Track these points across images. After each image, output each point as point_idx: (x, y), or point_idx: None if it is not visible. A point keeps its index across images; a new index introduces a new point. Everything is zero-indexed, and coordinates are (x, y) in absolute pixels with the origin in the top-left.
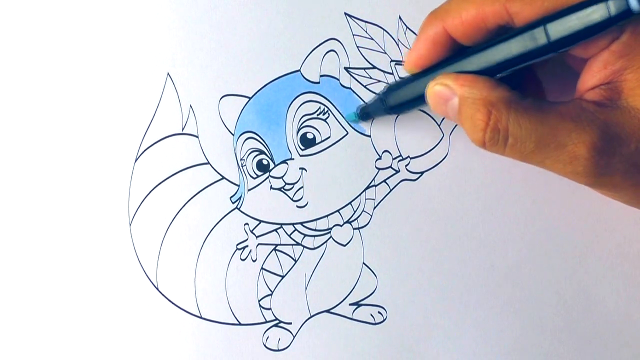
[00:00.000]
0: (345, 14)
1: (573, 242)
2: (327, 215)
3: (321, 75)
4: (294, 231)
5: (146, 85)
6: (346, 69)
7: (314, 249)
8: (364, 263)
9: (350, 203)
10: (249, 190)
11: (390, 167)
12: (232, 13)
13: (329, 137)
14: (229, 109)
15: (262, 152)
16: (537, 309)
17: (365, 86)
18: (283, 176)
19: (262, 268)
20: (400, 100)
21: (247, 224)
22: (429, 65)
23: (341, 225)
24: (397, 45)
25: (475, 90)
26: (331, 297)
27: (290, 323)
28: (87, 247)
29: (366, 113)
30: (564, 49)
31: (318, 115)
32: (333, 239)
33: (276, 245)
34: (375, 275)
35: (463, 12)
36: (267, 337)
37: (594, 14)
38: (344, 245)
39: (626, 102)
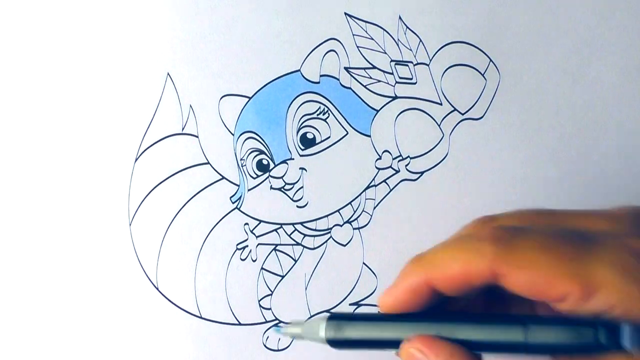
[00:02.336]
0: (345, 14)
1: None
2: (327, 215)
3: (321, 75)
4: (294, 231)
5: (146, 85)
6: (346, 69)
7: (314, 249)
8: (364, 263)
9: (350, 203)
10: (249, 190)
11: (390, 167)
12: (232, 13)
13: (329, 137)
14: (229, 109)
15: (262, 152)
16: None
17: (365, 86)
18: (283, 176)
19: (262, 268)
20: (359, 336)
21: (247, 224)
22: (404, 312)
23: (341, 225)
24: (397, 45)
25: None
26: (331, 297)
27: (290, 323)
28: (87, 247)
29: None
30: (539, 355)
31: (318, 115)
32: (333, 239)
33: (276, 245)
34: (375, 275)
35: (448, 269)
36: (267, 337)
37: (580, 336)
38: (344, 245)
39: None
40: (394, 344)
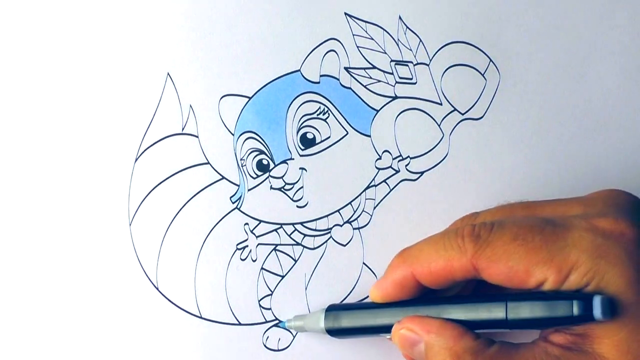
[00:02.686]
0: (345, 14)
1: None
2: (327, 215)
3: (321, 75)
4: (294, 231)
5: (146, 85)
6: (346, 69)
7: (314, 249)
8: (364, 263)
9: (350, 203)
10: (249, 190)
11: (390, 167)
12: (232, 13)
13: (329, 137)
14: (229, 109)
15: (262, 152)
16: None
17: (365, 86)
18: (283, 176)
19: (262, 268)
20: (354, 324)
21: (247, 224)
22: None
23: (341, 225)
24: (397, 45)
25: (441, 338)
26: (331, 297)
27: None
28: (87, 247)
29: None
30: (521, 329)
31: (318, 115)
32: (333, 239)
33: (276, 245)
34: (375, 275)
35: (432, 263)
36: (267, 337)
37: (557, 309)
38: (344, 245)
39: (592, 348)
40: (387, 329)
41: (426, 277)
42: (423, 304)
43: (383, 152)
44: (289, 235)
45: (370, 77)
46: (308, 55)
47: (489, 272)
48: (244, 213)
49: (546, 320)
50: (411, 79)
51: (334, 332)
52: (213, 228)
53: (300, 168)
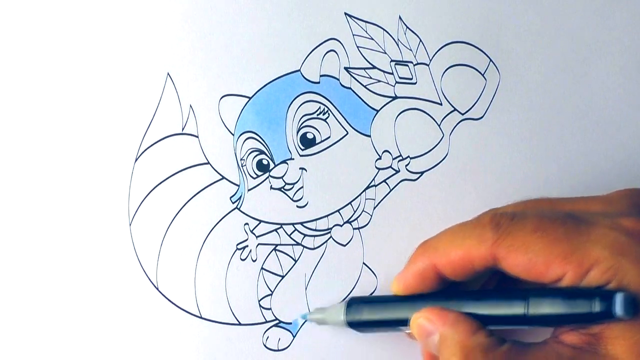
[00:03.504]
0: (345, 14)
1: None
2: (327, 215)
3: (321, 75)
4: (294, 231)
5: (146, 85)
6: (346, 69)
7: (314, 249)
8: (364, 263)
9: (350, 203)
10: (249, 190)
11: (390, 167)
12: (232, 13)
13: (329, 137)
14: (229, 109)
15: (262, 152)
16: None
17: (365, 86)
18: (283, 176)
19: (262, 268)
20: (375, 316)
21: (247, 224)
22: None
23: (341, 225)
24: (397, 45)
25: (455, 332)
26: (331, 297)
27: (290, 323)
28: (87, 247)
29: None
30: (539, 326)
31: (318, 115)
32: (333, 239)
33: (276, 245)
34: (375, 275)
35: (451, 253)
36: (267, 337)
37: (577, 305)
38: (344, 245)
39: (605, 349)
40: (406, 322)
41: (446, 267)
42: (443, 297)
43: (383, 152)
44: (289, 235)
45: (370, 77)
46: (308, 55)
47: (507, 262)
48: (244, 213)
49: (565, 317)
50: (411, 79)
51: (354, 325)
52: (213, 228)
53: (300, 168)
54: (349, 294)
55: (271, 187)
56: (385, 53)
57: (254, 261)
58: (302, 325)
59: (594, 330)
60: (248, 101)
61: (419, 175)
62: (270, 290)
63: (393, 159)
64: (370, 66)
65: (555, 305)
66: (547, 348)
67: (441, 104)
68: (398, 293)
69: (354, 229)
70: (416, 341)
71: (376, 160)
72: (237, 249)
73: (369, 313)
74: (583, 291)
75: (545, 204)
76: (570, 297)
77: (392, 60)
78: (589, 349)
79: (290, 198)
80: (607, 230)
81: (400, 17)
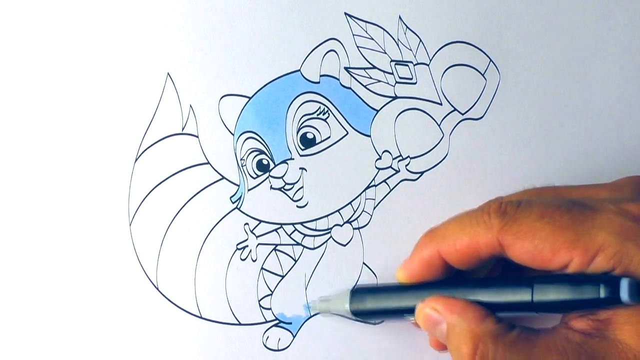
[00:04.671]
0: (345, 14)
1: None
2: (327, 215)
3: (321, 75)
4: (294, 231)
5: (146, 85)
6: (346, 69)
7: (314, 249)
8: (364, 263)
9: (350, 203)
10: (249, 190)
11: (390, 167)
12: (232, 13)
13: (329, 137)
14: (229, 109)
15: (262, 152)
16: None
17: (365, 86)
18: (283, 176)
19: (262, 268)
20: (380, 305)
21: (247, 224)
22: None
23: (341, 225)
24: (397, 45)
25: (463, 320)
26: None
27: (290, 323)
28: (87, 247)
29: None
30: (546, 312)
31: (318, 115)
32: (333, 239)
33: (276, 245)
34: (375, 275)
35: (457, 241)
36: (267, 337)
37: (583, 291)
38: (344, 245)
39: (614, 334)
40: (412, 310)
41: (452, 255)
42: (448, 285)
43: (383, 152)
44: (289, 235)
45: (370, 77)
46: (308, 55)
47: (513, 249)
48: (244, 213)
49: (572, 302)
50: (411, 79)
51: (359, 314)
52: (213, 228)
53: (300, 168)
54: None
55: (271, 187)
56: (385, 53)
57: (254, 261)
58: (302, 325)
59: (603, 316)
60: (248, 101)
61: (419, 175)
62: (270, 290)
63: (393, 159)
64: (370, 66)
65: (560, 292)
66: (556, 334)
67: (441, 104)
68: (403, 281)
69: (354, 229)
70: (421, 330)
71: (376, 160)
72: (237, 249)
73: (373, 301)
74: (588, 277)
75: (550, 192)
76: (576, 283)
77: (392, 60)
78: (598, 335)
79: (290, 198)
80: (612, 216)
81: (400, 17)
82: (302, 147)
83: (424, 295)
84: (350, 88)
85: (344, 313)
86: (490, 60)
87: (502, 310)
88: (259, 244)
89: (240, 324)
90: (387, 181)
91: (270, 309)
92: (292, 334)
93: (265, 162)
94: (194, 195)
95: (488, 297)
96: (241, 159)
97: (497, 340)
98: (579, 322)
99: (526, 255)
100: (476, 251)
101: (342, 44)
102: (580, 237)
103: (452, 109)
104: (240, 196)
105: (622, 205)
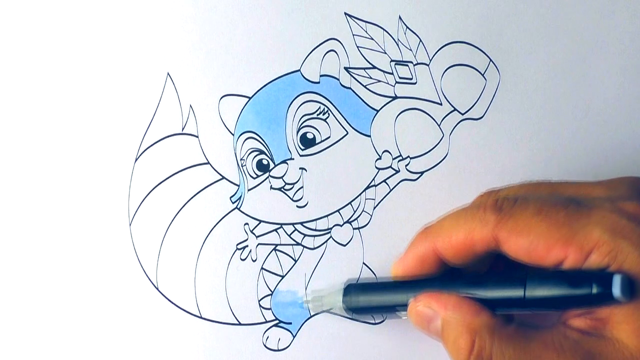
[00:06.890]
0: (345, 14)
1: None
2: (327, 215)
3: (321, 75)
4: (294, 231)
5: (146, 85)
6: (346, 69)
7: (314, 249)
8: (364, 263)
9: (350, 203)
10: (249, 190)
11: (390, 167)
12: (232, 13)
13: (329, 137)
14: (229, 109)
15: (262, 152)
16: None
17: (365, 86)
18: (283, 176)
19: (262, 268)
20: (372, 300)
21: (247, 224)
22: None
23: (341, 225)
24: (397, 45)
25: (458, 314)
26: None
27: (290, 323)
28: (87, 247)
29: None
30: (539, 309)
31: (318, 115)
32: (333, 239)
33: (276, 245)
34: (375, 275)
35: (453, 236)
36: (267, 337)
37: (575, 287)
38: (344, 245)
39: (611, 333)
40: (405, 306)
41: (447, 250)
42: (441, 281)
43: (383, 152)
44: (289, 235)
45: (370, 77)
46: (308, 55)
47: (509, 244)
48: (244, 213)
49: (564, 299)
50: (411, 79)
51: (352, 309)
52: (213, 228)
53: (300, 168)
54: None
55: (271, 187)
56: (385, 53)
57: (254, 261)
58: (302, 325)
59: (601, 315)
60: (248, 101)
61: (419, 175)
62: (270, 290)
63: (393, 159)
64: (370, 66)
65: (553, 288)
66: (553, 331)
67: (441, 104)
68: (397, 275)
69: (354, 229)
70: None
71: (376, 160)
72: (237, 249)
73: (366, 297)
74: (581, 273)
75: (546, 187)
76: (569, 279)
77: (392, 60)
78: (595, 333)
79: (290, 198)
80: (607, 214)
81: (400, 17)
82: (302, 147)
83: (417, 290)
84: (350, 88)
85: (337, 308)
86: (490, 60)
87: (496, 306)
88: (259, 244)
89: (240, 324)
90: (387, 181)
91: (270, 309)
92: (292, 334)
93: (265, 162)
94: (194, 195)
95: (481, 292)
96: (241, 159)
97: (493, 333)
98: (577, 321)
99: (521, 251)
100: (471, 247)
101: (342, 44)
102: (575, 234)
103: (452, 109)
104: (240, 196)
105: (618, 203)
